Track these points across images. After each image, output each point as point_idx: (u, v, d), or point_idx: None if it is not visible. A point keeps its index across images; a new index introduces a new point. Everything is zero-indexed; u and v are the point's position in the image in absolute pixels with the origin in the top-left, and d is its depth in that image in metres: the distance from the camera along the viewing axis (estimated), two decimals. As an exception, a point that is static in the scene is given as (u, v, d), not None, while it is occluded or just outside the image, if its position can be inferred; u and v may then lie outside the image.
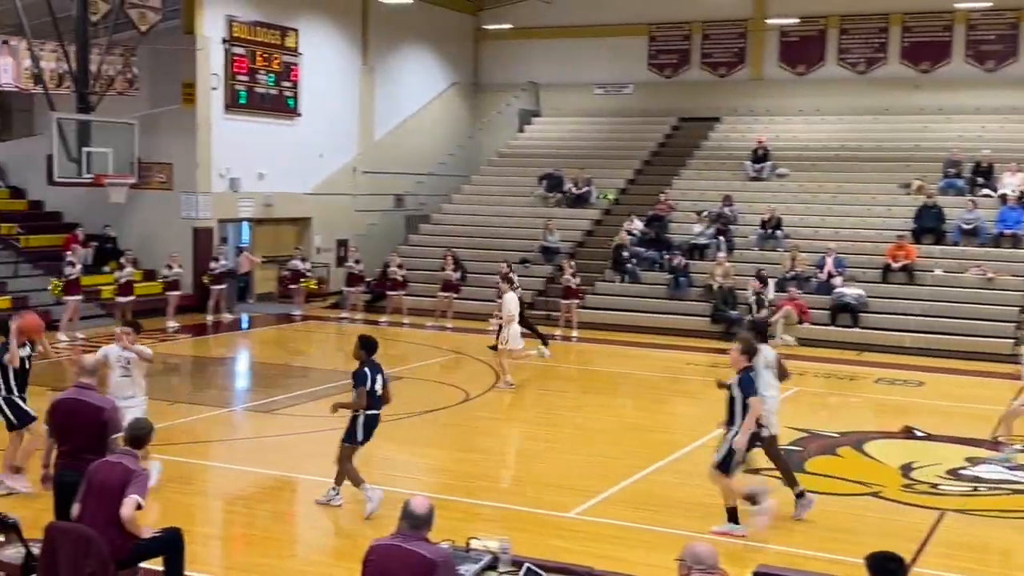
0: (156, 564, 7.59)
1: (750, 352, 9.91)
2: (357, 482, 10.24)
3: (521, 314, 17.36)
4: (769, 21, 30.01)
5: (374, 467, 12.56)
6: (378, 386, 10.22)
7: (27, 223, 24.57)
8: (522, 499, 11.01)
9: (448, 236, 27.88)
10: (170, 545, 7.54)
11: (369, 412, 10.22)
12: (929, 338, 21.51)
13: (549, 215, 27.51)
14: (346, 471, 10.29)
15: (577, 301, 23.22)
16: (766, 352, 10.55)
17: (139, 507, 7.12)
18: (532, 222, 27.67)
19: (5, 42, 21.33)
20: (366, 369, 10.19)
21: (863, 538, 9.62)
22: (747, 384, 9.69)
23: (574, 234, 27.31)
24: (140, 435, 7.52)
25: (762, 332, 11.09)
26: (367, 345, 10.35)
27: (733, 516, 9.82)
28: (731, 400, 9.80)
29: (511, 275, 19.03)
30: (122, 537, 7.14)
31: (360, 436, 10.26)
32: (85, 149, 20.57)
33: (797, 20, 29.48)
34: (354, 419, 10.22)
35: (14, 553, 7.44)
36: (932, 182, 25.57)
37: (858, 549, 6.25)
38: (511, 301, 16.78)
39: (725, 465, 9.81)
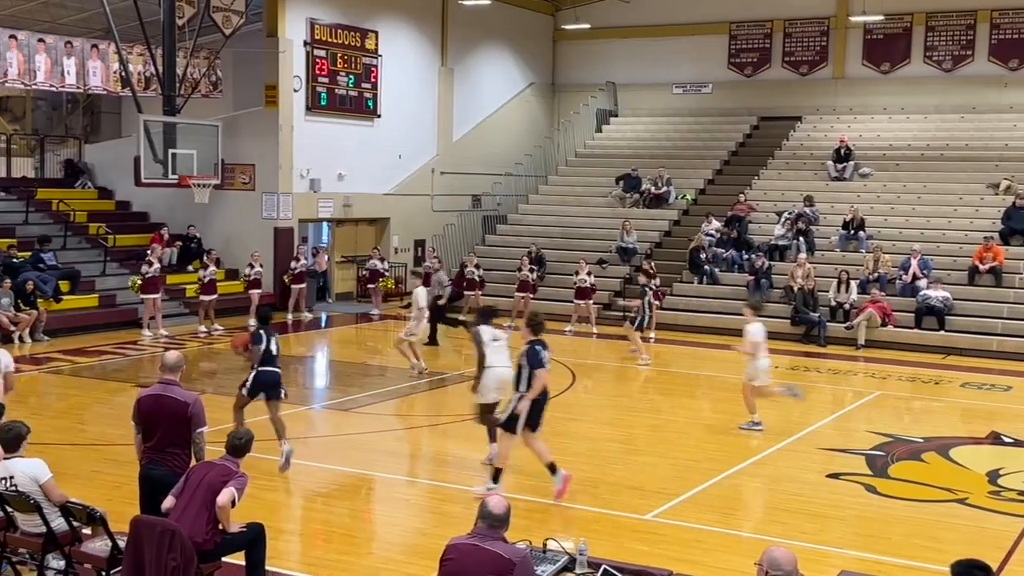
0: (236, 559, 7.72)
1: (535, 327, 10.89)
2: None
3: (442, 308, 18.99)
4: (853, 19, 29.48)
5: (448, 466, 12.65)
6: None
7: (115, 223, 25.18)
8: (598, 501, 10.95)
9: (525, 236, 27.90)
10: (252, 540, 7.67)
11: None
12: (1017, 342, 20.94)
13: (626, 215, 27.38)
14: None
15: (657, 303, 23.05)
16: (491, 331, 12.08)
17: (234, 502, 7.30)
18: (609, 223, 27.57)
19: (94, 46, 21.87)
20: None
21: (948, 546, 9.39)
22: (533, 356, 10.57)
23: (652, 235, 27.14)
24: (239, 444, 7.69)
25: (487, 314, 12.53)
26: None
27: (496, 476, 10.72)
28: (519, 369, 10.70)
29: (429, 270, 19.76)
30: (208, 531, 7.30)
31: None
32: (171, 151, 21.00)
33: (881, 17, 28.90)
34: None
35: (101, 546, 7.62)
36: (1021, 182, 24.89)
37: (943, 557, 6.12)
38: (420, 294, 17.49)
39: (510, 425, 10.66)
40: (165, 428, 8.08)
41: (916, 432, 14.34)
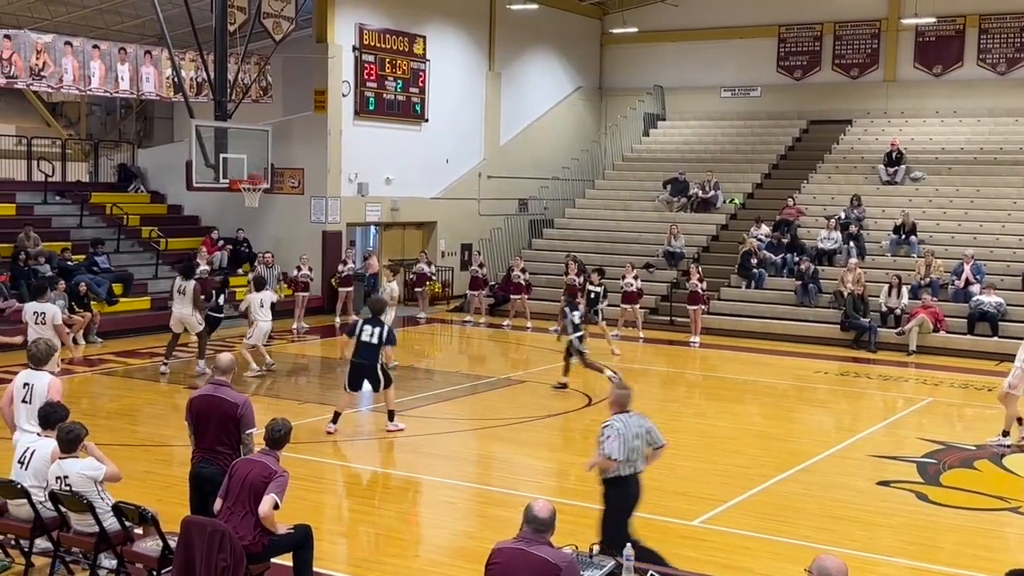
0: (284, 560, 7.79)
1: (376, 310, 13.67)
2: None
3: None
4: (904, 21, 29.14)
5: (495, 470, 12.67)
6: None
7: (166, 227, 25.52)
8: (644, 506, 10.83)
9: (572, 240, 27.89)
10: (300, 541, 7.74)
11: None
12: (1074, 349, 20.53)
13: (674, 220, 27.26)
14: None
15: (703, 307, 22.99)
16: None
17: (276, 506, 7.35)
18: (656, 227, 27.47)
19: (148, 52, 22.18)
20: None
21: (1001, 555, 9.25)
22: (390, 333, 13.54)
23: (699, 239, 27.00)
24: (278, 436, 7.74)
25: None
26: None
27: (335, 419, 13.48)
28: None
29: (261, 275, 19.74)
30: (257, 532, 7.37)
31: None
32: (222, 155, 21.22)
33: (933, 20, 28.53)
34: None
35: (152, 546, 7.73)
36: (1078, 186, 24.48)
37: (995, 566, 6.03)
38: (254, 300, 17.69)
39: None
40: (215, 428, 8.21)
41: (969, 439, 14.13)
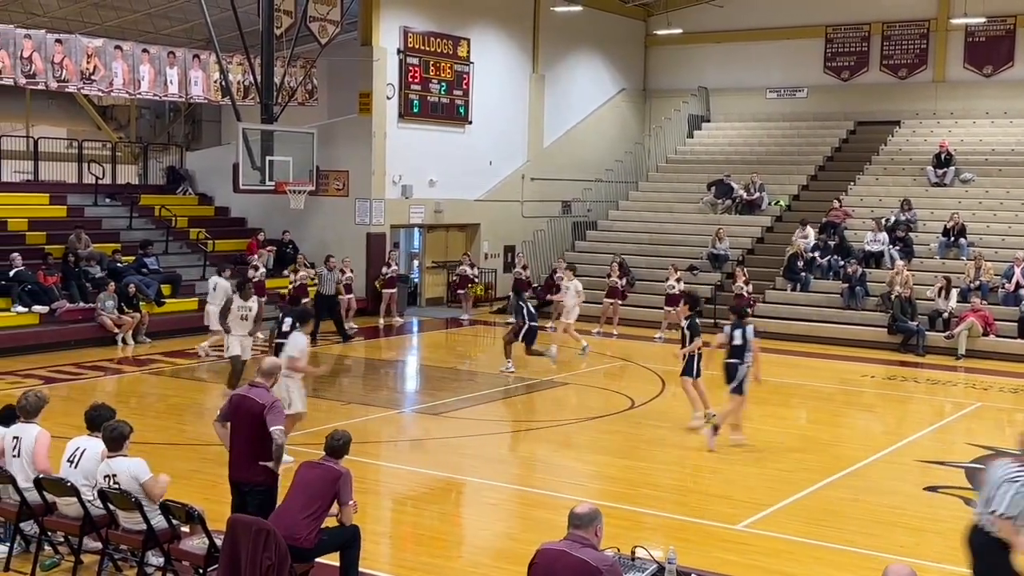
0: (328, 560, 7.84)
1: (302, 319, 13.07)
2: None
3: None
4: (953, 21, 28.75)
5: (537, 472, 12.68)
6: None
7: (213, 228, 25.79)
8: (687, 509, 10.87)
9: (615, 243, 27.82)
10: (349, 540, 7.81)
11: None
12: None
13: (718, 222, 27.11)
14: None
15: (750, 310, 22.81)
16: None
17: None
18: (701, 229, 27.33)
19: (196, 56, 22.44)
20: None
21: (1053, 564, 9.07)
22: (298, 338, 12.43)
23: (744, 241, 26.82)
24: (337, 446, 7.85)
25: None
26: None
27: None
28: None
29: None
30: (308, 531, 7.46)
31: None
32: (268, 158, 21.38)
33: (983, 19, 28.12)
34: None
35: (198, 543, 7.83)
36: None
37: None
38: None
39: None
40: (246, 428, 8.30)
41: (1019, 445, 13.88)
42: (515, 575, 8.48)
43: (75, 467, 8.30)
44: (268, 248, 24.91)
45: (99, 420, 8.34)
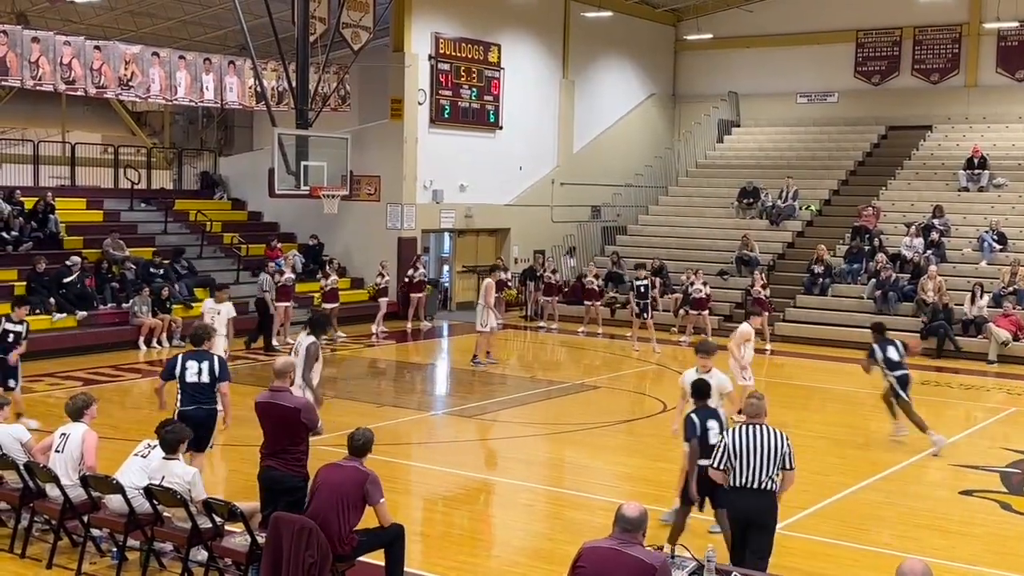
0: (371, 558, 7.94)
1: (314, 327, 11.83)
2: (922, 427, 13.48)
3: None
4: (986, 25, 28.63)
5: (569, 473, 12.74)
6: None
7: (247, 233, 26.02)
8: (723, 512, 10.86)
9: (645, 247, 27.84)
10: (392, 540, 7.88)
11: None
12: None
13: (748, 227, 27.08)
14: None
15: (767, 314, 22.72)
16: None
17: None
18: (730, 233, 27.31)
19: (231, 62, 22.67)
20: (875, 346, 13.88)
21: (1090, 568, 9.07)
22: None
23: (775, 246, 26.78)
24: (358, 445, 7.83)
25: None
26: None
27: None
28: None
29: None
30: (348, 530, 7.54)
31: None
32: (302, 163, 21.59)
33: (1016, 24, 27.98)
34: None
35: (241, 541, 7.96)
36: None
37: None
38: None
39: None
40: (279, 431, 8.41)
41: (1054, 450, 13.83)
42: (553, 574, 8.56)
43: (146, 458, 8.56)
44: (294, 253, 25.03)
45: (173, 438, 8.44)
